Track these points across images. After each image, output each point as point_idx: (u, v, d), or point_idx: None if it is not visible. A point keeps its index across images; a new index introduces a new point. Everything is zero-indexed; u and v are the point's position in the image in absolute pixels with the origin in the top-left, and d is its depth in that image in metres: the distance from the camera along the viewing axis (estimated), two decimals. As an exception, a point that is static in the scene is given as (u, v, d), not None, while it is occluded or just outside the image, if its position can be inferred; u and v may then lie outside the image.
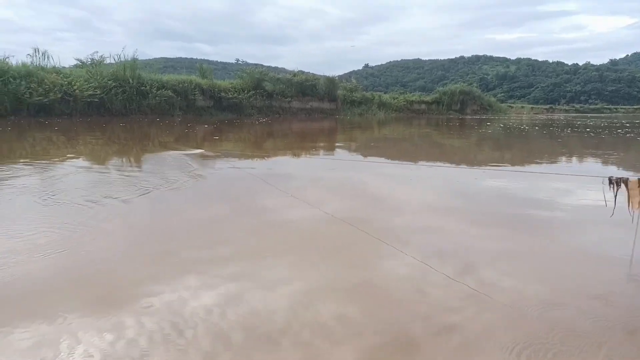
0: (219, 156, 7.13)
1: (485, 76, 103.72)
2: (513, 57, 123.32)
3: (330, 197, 4.22)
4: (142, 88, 18.60)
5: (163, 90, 19.36)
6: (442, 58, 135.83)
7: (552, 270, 2.42)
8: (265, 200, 4.02)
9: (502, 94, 79.82)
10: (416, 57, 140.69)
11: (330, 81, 28.12)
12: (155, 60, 41.69)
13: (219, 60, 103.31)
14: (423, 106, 36.00)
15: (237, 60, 64.06)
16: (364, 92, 33.27)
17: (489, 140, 12.02)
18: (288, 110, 25.66)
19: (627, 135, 13.04)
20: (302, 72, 28.74)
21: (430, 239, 2.93)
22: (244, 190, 4.52)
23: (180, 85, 20.30)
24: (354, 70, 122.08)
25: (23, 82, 14.69)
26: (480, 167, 6.55)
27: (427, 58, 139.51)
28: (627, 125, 20.80)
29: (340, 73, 60.41)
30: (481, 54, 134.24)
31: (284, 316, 1.86)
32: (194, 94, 20.87)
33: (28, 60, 16.77)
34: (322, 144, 10.35)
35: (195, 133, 11.86)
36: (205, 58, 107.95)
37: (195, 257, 2.50)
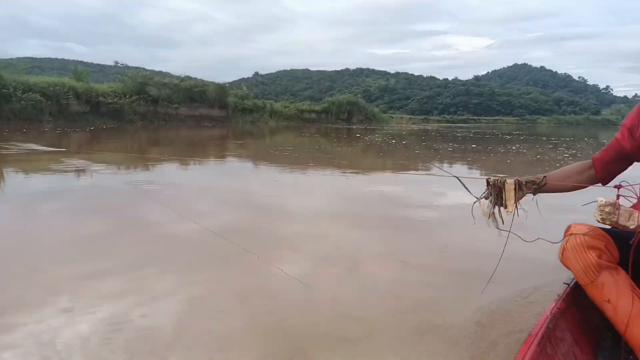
0: (94, 163, 6.53)
1: (369, 88, 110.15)
2: (392, 71, 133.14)
3: (220, 207, 4.11)
4: (4, 90, 16.39)
5: (30, 93, 17.27)
6: (329, 69, 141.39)
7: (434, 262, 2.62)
8: (148, 212, 3.77)
9: (384, 105, 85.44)
10: (305, 68, 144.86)
11: (221, 88, 27.62)
12: (20, 59, 37.15)
13: (95, 62, 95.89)
14: (313, 115, 37.01)
15: (116, 62, 59.86)
16: (255, 100, 33.22)
17: (374, 148, 12.75)
18: (175, 117, 24.58)
19: (489, 147, 14.75)
20: (190, 78, 27.81)
21: (319, 245, 2.99)
22: (122, 202, 4.20)
23: (51, 88, 18.29)
24: (244, 78, 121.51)
25: None
26: (366, 173, 6.90)
27: (315, 69, 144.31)
28: (497, 134, 23.60)
29: (230, 80, 59.54)
30: (364, 67, 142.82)
31: (171, 331, 1.74)
32: (67, 98, 18.95)
33: None
34: (211, 152, 10.07)
35: (69, 140, 10.77)
36: (79, 59, 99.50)
37: (67, 274, 2.24)
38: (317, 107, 38.72)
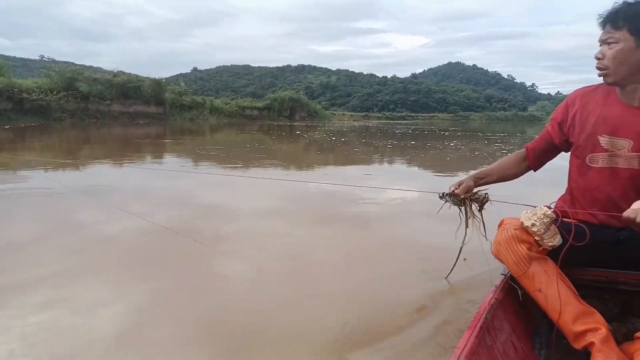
0: (19, 165, 6.06)
1: (311, 85, 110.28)
2: (334, 68, 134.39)
3: (158, 208, 3.95)
4: None
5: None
6: (270, 65, 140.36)
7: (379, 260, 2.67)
8: (82, 214, 3.56)
9: (326, 102, 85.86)
10: (246, 64, 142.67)
11: (157, 84, 26.57)
12: None
13: (18, 56, 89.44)
14: (255, 112, 36.57)
15: (42, 56, 55.87)
16: (194, 96, 32.29)
17: (314, 145, 12.81)
18: (108, 114, 23.36)
19: (428, 144, 15.26)
20: (124, 73, 26.54)
21: (263, 242, 2.97)
22: (55, 204, 3.93)
23: (-35, 83, 16.75)
24: (182, 73, 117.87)
25: None
26: (308, 170, 6.92)
27: (256, 65, 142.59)
28: (435, 130, 24.47)
29: (168, 75, 57.40)
30: (306, 63, 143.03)
31: (108, 344, 1.64)
32: (-14, 95, 17.45)
33: None
34: (146, 151, 9.66)
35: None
36: (0, 53, 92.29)
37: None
38: (259, 104, 38.29)
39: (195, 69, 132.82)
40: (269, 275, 2.36)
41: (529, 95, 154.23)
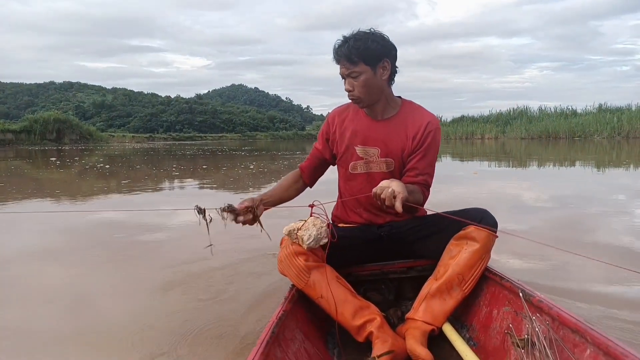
0: None
1: (82, 104, 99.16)
2: (109, 87, 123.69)
3: None
4: None
5: None
6: (28, 82, 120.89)
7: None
8: None
9: (102, 123, 78.18)
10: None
11: None
12: None
13: None
14: (10, 135, 30.86)
15: None
16: None
17: (92, 170, 11.30)
18: None
19: (224, 167, 15.20)
20: None
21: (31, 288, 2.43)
22: None
23: None
24: None
25: None
26: (86, 199, 5.96)
27: (8, 81, 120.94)
28: (225, 149, 24.41)
29: None
30: (74, 80, 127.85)
31: None
32: None
33: None
34: None
35: None
36: None
37: None
38: (15, 126, 32.30)
39: None
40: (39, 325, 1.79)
41: (305, 116, 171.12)
